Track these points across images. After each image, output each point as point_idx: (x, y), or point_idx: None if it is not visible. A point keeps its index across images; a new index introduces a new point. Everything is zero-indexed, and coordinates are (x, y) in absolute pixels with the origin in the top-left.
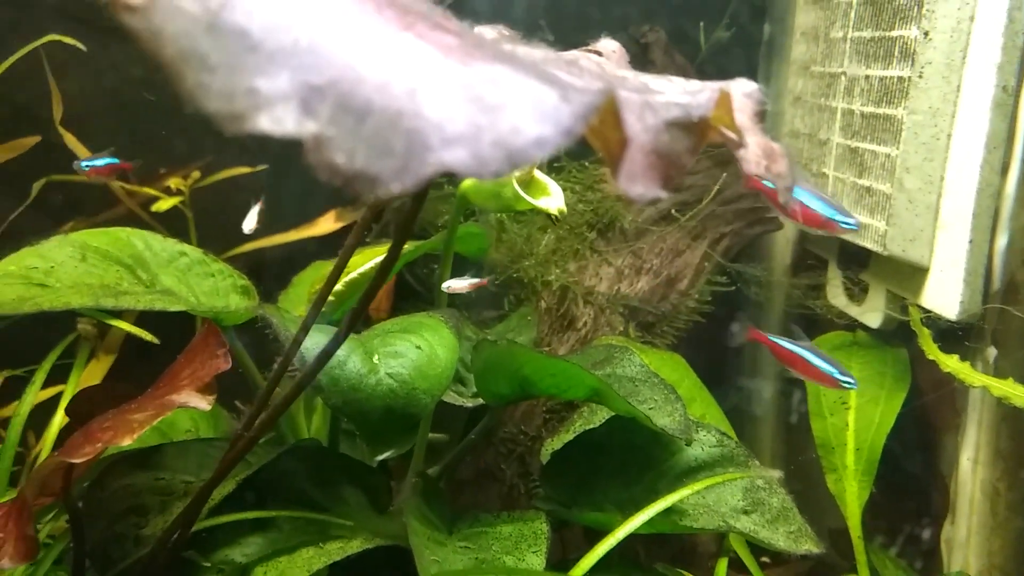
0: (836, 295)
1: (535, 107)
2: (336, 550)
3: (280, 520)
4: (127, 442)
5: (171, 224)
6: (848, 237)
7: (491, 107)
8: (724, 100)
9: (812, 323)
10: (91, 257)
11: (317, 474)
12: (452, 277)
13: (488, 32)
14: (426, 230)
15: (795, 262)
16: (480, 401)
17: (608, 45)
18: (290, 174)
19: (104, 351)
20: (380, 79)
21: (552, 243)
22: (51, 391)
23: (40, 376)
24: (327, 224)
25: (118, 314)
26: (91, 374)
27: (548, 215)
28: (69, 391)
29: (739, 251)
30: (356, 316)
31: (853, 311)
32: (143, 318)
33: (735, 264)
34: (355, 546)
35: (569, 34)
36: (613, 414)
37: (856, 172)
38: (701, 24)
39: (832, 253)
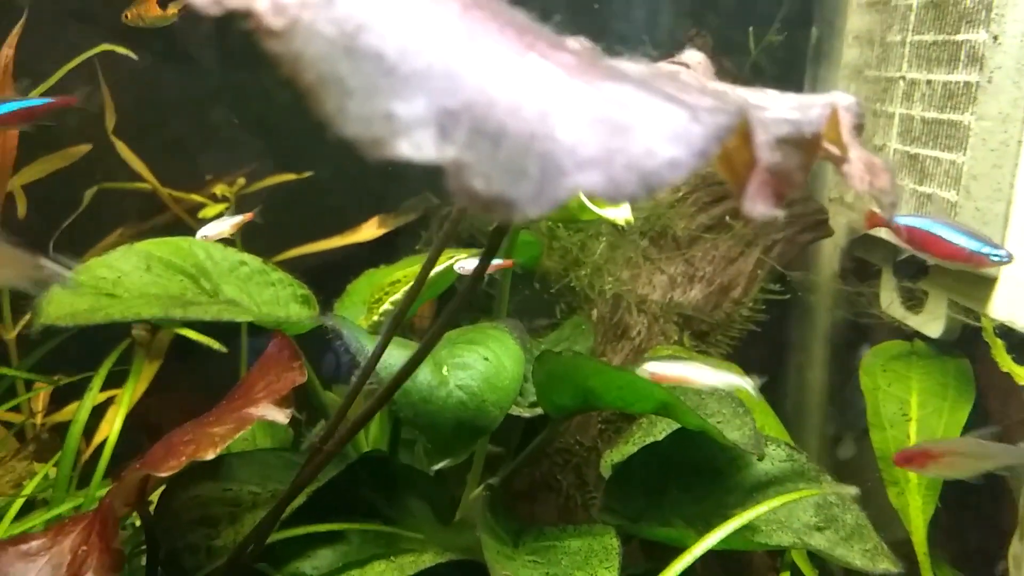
0: (891, 304)
1: (666, 128)
2: (409, 564)
3: (350, 533)
4: (210, 456)
5: None
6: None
7: (621, 128)
8: (834, 117)
9: (863, 331)
10: (155, 267)
11: (384, 486)
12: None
13: (572, 44)
14: (474, 237)
15: (843, 269)
16: (538, 412)
17: (693, 56)
18: (335, 180)
19: (151, 357)
20: (511, 102)
21: (605, 251)
22: (103, 395)
23: (98, 382)
24: (370, 230)
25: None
26: (140, 379)
27: (614, 224)
28: (126, 397)
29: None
30: (438, 334)
31: (910, 320)
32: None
33: (790, 271)
34: (427, 560)
35: (616, 41)
36: (675, 426)
37: (916, 179)
38: (750, 29)
39: (887, 261)
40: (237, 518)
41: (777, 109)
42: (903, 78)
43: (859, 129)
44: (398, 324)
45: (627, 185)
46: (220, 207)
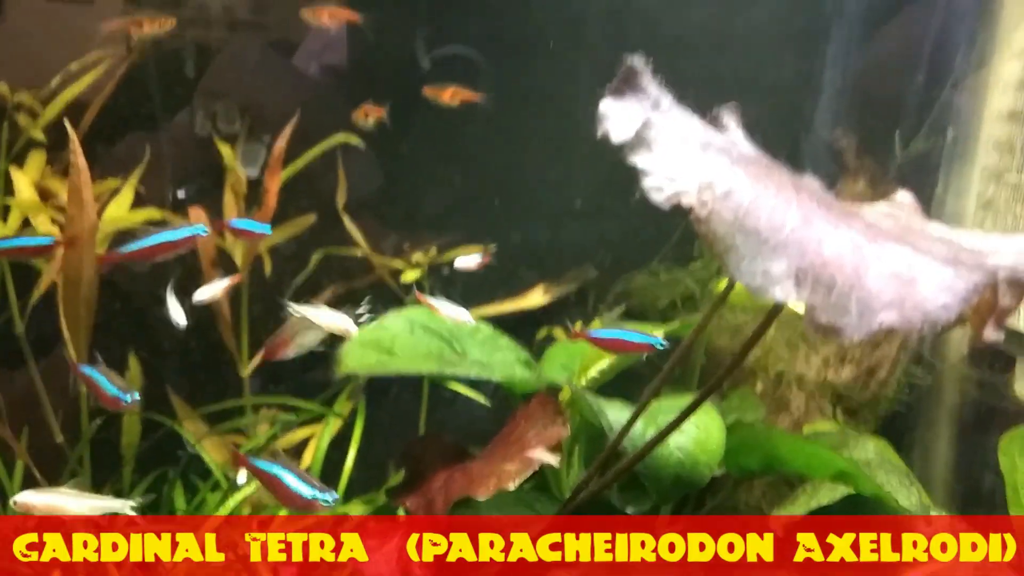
0: None
1: (939, 282)
2: None
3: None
4: (511, 486)
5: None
6: None
7: (907, 281)
8: None
9: (990, 413)
10: (417, 330)
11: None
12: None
13: (810, 184)
14: (645, 312)
15: (974, 353)
16: (716, 472)
17: (904, 197)
18: (508, 251)
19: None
20: (836, 262)
21: (771, 331)
22: (308, 430)
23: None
24: (536, 297)
25: None
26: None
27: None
28: (358, 429)
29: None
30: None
31: None
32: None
33: (924, 355)
34: None
35: (774, 138)
36: (837, 491)
37: None
38: (896, 132)
39: (1022, 351)
40: None
41: (995, 253)
42: None
43: None
44: (653, 397)
45: (915, 322)
46: (416, 273)
